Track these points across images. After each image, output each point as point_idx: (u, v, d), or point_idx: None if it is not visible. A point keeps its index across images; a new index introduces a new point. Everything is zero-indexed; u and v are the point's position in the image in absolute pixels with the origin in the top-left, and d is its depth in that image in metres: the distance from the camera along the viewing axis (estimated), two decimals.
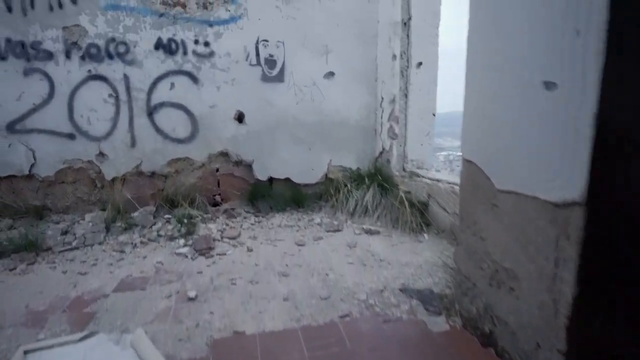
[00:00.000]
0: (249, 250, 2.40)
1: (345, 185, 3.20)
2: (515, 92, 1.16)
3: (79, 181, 2.98)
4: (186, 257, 2.30)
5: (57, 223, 2.94)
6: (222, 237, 2.60)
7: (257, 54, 3.09)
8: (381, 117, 3.32)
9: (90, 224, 2.77)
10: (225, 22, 3.01)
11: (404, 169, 3.25)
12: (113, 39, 2.85)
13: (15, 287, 1.94)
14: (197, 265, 2.17)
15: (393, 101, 3.18)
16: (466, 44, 1.41)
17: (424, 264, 2.13)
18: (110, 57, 2.86)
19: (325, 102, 3.23)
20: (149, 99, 2.95)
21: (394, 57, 3.13)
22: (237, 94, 3.08)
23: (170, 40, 2.93)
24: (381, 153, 3.33)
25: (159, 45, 2.92)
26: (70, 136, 2.88)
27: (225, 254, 2.33)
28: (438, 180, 2.79)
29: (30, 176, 2.89)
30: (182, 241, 2.54)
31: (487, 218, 1.34)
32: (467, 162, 1.47)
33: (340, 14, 3.18)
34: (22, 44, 2.74)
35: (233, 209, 3.15)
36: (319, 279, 1.97)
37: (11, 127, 2.80)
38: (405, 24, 3.10)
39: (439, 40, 3.19)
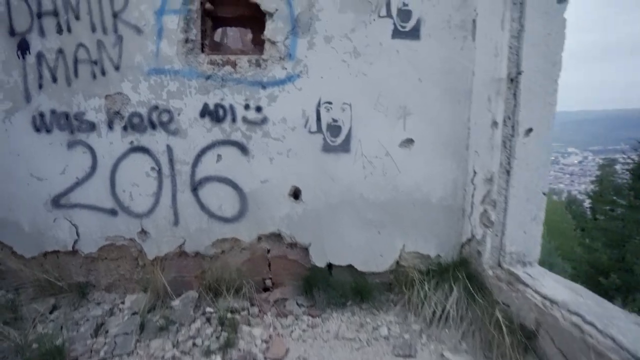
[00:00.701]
0: None
1: (422, 279, 2.63)
2: None
3: (121, 258, 2.81)
4: None
5: (99, 304, 2.81)
6: (265, 358, 2.22)
7: (318, 119, 2.62)
8: (472, 197, 2.66)
9: (127, 315, 2.58)
10: (280, 82, 2.57)
11: (499, 264, 2.58)
12: (156, 107, 2.58)
13: None
14: None
15: (490, 180, 2.51)
16: None
17: None
18: (153, 126, 2.59)
19: (401, 177, 2.66)
20: (193, 173, 2.65)
21: (495, 124, 2.45)
22: (293, 167, 2.65)
23: (217, 106, 2.58)
24: (469, 240, 2.69)
25: (205, 112, 2.58)
26: (112, 212, 2.70)
27: None
28: (553, 303, 2.10)
29: (74, 252, 2.78)
30: (218, 359, 2.21)
31: None
32: None
33: (423, 66, 2.57)
34: (66, 115, 2.59)
35: (285, 301, 2.76)
36: None
37: (56, 202, 2.69)
38: (512, 80, 2.40)
39: (557, 98, 2.44)
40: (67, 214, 2.70)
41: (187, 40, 2.54)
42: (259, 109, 2.58)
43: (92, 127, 2.59)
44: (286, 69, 2.56)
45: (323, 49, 2.55)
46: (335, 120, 2.62)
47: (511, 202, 2.52)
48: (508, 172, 2.47)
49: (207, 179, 2.66)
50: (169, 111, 2.58)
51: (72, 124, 2.59)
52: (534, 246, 2.60)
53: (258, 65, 2.58)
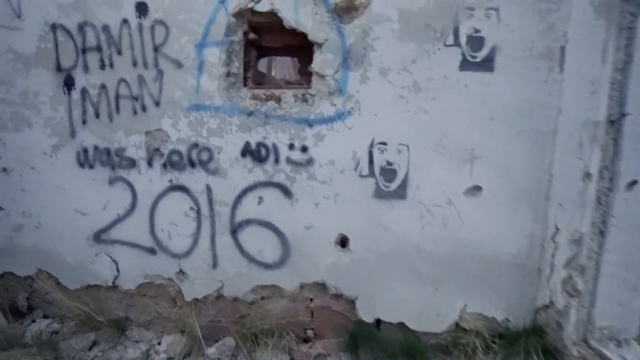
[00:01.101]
0: None
1: (486, 346, 2.30)
2: None
3: (159, 297, 2.75)
4: None
5: (136, 342, 2.77)
6: None
7: (371, 162, 2.35)
8: (552, 257, 2.27)
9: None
10: (329, 120, 2.33)
11: (586, 341, 2.18)
12: (195, 145, 2.45)
13: None
14: None
15: (578, 242, 2.11)
16: None
17: None
18: (192, 165, 2.47)
19: (465, 228, 2.33)
20: (233, 215, 2.50)
21: (588, 175, 2.04)
22: (340, 213, 2.41)
23: (259, 145, 2.40)
24: (546, 307, 2.30)
25: (246, 151, 2.41)
26: (151, 250, 2.63)
27: None
28: None
29: (114, 287, 2.76)
30: None
31: None
32: None
33: (497, 102, 2.21)
34: (108, 152, 2.55)
35: (326, 357, 2.54)
36: None
37: (98, 237, 2.68)
38: (612, 123, 1.97)
39: None
40: (108, 250, 2.67)
41: (228, 74, 2.37)
42: (304, 149, 2.36)
43: (132, 163, 2.52)
44: (336, 105, 2.31)
45: (378, 83, 2.27)
46: (390, 163, 2.34)
47: (604, 269, 2.11)
48: (602, 233, 2.06)
49: (248, 222, 2.50)
50: (208, 149, 2.44)
51: (113, 160, 2.54)
52: (631, 321, 2.17)
53: (304, 100, 2.35)
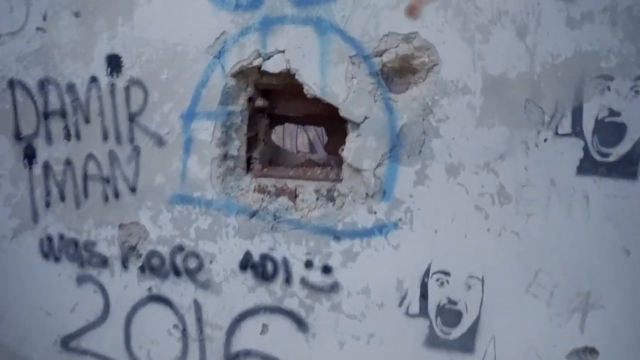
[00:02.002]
0: None
1: None
2: None
3: None
4: None
5: None
6: None
7: (424, 297, 1.60)
8: None
9: None
10: (365, 233, 1.61)
11: None
12: (181, 248, 1.82)
13: None
14: None
15: None
16: None
17: None
18: (177, 272, 1.85)
19: None
20: (228, 342, 1.86)
21: None
22: None
23: (265, 257, 1.73)
24: None
25: (246, 263, 1.75)
26: None
27: None
28: None
29: None
30: None
31: None
32: None
33: (637, 228, 1.36)
34: (75, 243, 2.00)
35: None
36: None
37: (65, 344, 2.16)
38: None
39: None
40: None
41: (225, 156, 1.71)
42: (327, 269, 1.66)
43: (103, 262, 1.95)
44: (375, 213, 1.57)
45: (443, 186, 1.50)
46: (453, 302, 1.58)
47: None
48: None
49: (247, 354, 1.85)
50: (197, 256, 1.80)
51: (82, 255, 1.99)
52: None
53: (330, 199, 1.64)
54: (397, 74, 1.51)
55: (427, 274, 1.59)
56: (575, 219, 1.46)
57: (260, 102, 1.69)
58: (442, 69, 1.46)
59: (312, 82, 1.55)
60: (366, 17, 1.48)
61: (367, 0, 1.48)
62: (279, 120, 1.95)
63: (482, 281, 1.55)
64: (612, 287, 1.48)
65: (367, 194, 1.58)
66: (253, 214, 1.72)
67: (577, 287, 1.50)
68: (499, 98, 1.44)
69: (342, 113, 1.53)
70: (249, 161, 1.79)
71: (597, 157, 1.41)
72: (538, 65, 1.41)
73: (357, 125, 1.54)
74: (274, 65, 1.57)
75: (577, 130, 1.41)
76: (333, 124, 1.77)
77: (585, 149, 1.41)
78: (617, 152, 1.40)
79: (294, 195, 1.68)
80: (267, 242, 1.72)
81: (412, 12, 1.45)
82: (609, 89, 1.38)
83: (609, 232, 1.45)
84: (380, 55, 1.49)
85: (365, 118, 1.52)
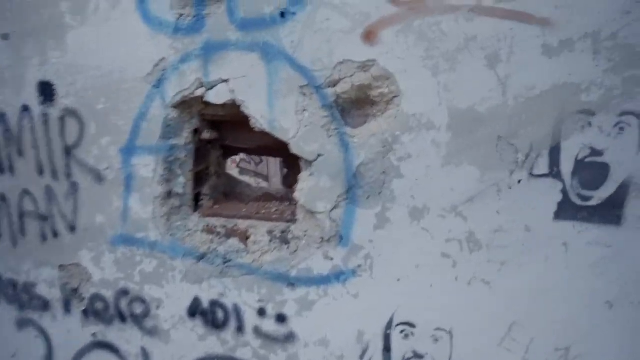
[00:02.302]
0: None
1: None
2: None
3: None
4: None
5: None
6: None
7: (387, 349, 1.46)
8: None
9: None
10: (322, 280, 1.45)
11: None
12: (125, 292, 1.66)
13: None
14: None
15: None
16: None
17: None
18: (122, 318, 1.69)
19: None
20: None
21: None
22: None
23: (215, 304, 1.58)
24: None
25: (195, 309, 1.60)
26: None
27: None
28: None
29: None
30: None
31: None
32: None
33: (621, 278, 1.24)
34: (14, 285, 1.83)
35: None
36: None
37: None
38: None
39: None
40: None
41: (169, 194, 1.55)
42: (281, 318, 1.50)
43: (44, 305, 1.79)
44: (332, 259, 1.42)
45: (405, 231, 1.35)
46: (419, 356, 1.43)
47: None
48: None
49: None
50: (143, 301, 1.65)
51: (22, 297, 1.83)
52: None
53: (284, 241, 1.48)
54: (353, 106, 1.34)
55: (390, 325, 1.44)
56: (553, 268, 1.31)
57: (207, 135, 1.52)
58: (403, 101, 1.30)
59: (260, 115, 1.38)
60: (318, 42, 1.31)
61: (319, 23, 1.30)
62: (234, 151, 1.77)
63: (451, 334, 1.40)
64: (593, 343, 1.33)
65: (322, 239, 1.42)
66: (201, 257, 1.56)
67: (555, 342, 1.35)
68: (467, 135, 1.28)
69: (293, 150, 1.37)
70: (197, 198, 1.62)
71: (578, 201, 1.25)
72: (511, 99, 1.25)
73: (309, 163, 1.37)
74: (217, 96, 1.41)
75: (554, 171, 1.25)
76: (292, 155, 1.60)
77: (564, 192, 1.26)
78: (600, 195, 1.24)
79: (245, 237, 1.52)
80: (216, 288, 1.56)
81: (370, 37, 1.28)
82: (590, 125, 1.22)
83: (590, 283, 1.30)
84: (334, 86, 1.32)
85: (319, 155, 1.36)
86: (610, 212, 1.25)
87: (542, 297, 1.34)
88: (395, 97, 1.31)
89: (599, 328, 1.33)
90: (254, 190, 1.81)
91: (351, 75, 1.32)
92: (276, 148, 1.55)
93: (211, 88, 1.41)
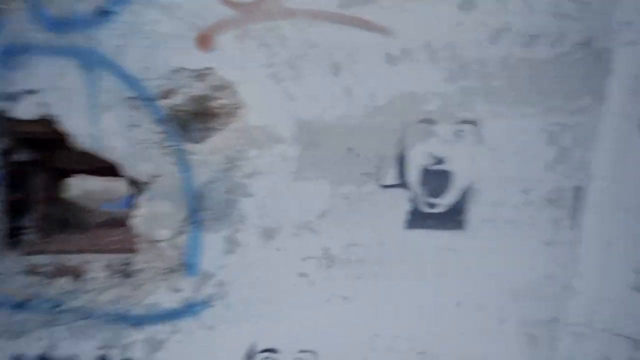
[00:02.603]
0: None
1: None
2: None
3: None
4: None
5: None
6: None
7: None
8: None
9: None
10: (172, 315, 1.29)
11: None
12: None
13: None
14: None
15: None
16: None
17: None
18: None
19: None
20: None
21: None
22: None
23: (43, 359, 1.29)
24: None
25: None
26: None
27: None
28: None
29: None
30: None
31: None
32: None
33: (467, 283, 1.26)
34: None
35: None
36: None
37: None
38: None
39: None
40: None
41: None
42: None
43: None
44: (181, 291, 1.25)
45: (258, 253, 1.24)
46: None
47: None
48: None
49: None
50: None
51: None
52: None
53: (126, 275, 1.27)
54: (193, 119, 1.20)
55: (251, 354, 1.31)
56: (409, 276, 1.30)
57: (22, 157, 1.25)
58: (246, 112, 1.18)
59: (80, 132, 1.16)
60: (147, 48, 1.14)
61: (148, 25, 1.13)
62: (67, 173, 1.51)
63: (316, 354, 1.32)
64: (446, 343, 1.35)
65: (168, 269, 1.24)
66: (20, 305, 1.27)
67: (415, 348, 1.34)
68: (316, 147, 1.21)
69: (124, 171, 1.17)
70: (16, 232, 1.33)
71: (426, 209, 1.25)
72: (357, 108, 1.20)
73: (145, 185, 1.19)
74: (24, 111, 1.16)
75: (402, 181, 1.23)
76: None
77: (413, 201, 1.25)
78: (444, 202, 1.25)
79: (78, 274, 1.28)
80: (45, 340, 1.29)
81: (205, 42, 1.15)
82: (431, 133, 1.22)
83: (442, 287, 1.32)
84: (169, 97, 1.15)
85: (154, 177, 1.18)
86: (454, 217, 1.27)
87: (400, 306, 1.33)
88: (237, 108, 1.19)
89: (450, 327, 1.36)
90: (99, 215, 1.57)
91: (187, 86, 1.17)
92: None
93: (15, 101, 1.16)
